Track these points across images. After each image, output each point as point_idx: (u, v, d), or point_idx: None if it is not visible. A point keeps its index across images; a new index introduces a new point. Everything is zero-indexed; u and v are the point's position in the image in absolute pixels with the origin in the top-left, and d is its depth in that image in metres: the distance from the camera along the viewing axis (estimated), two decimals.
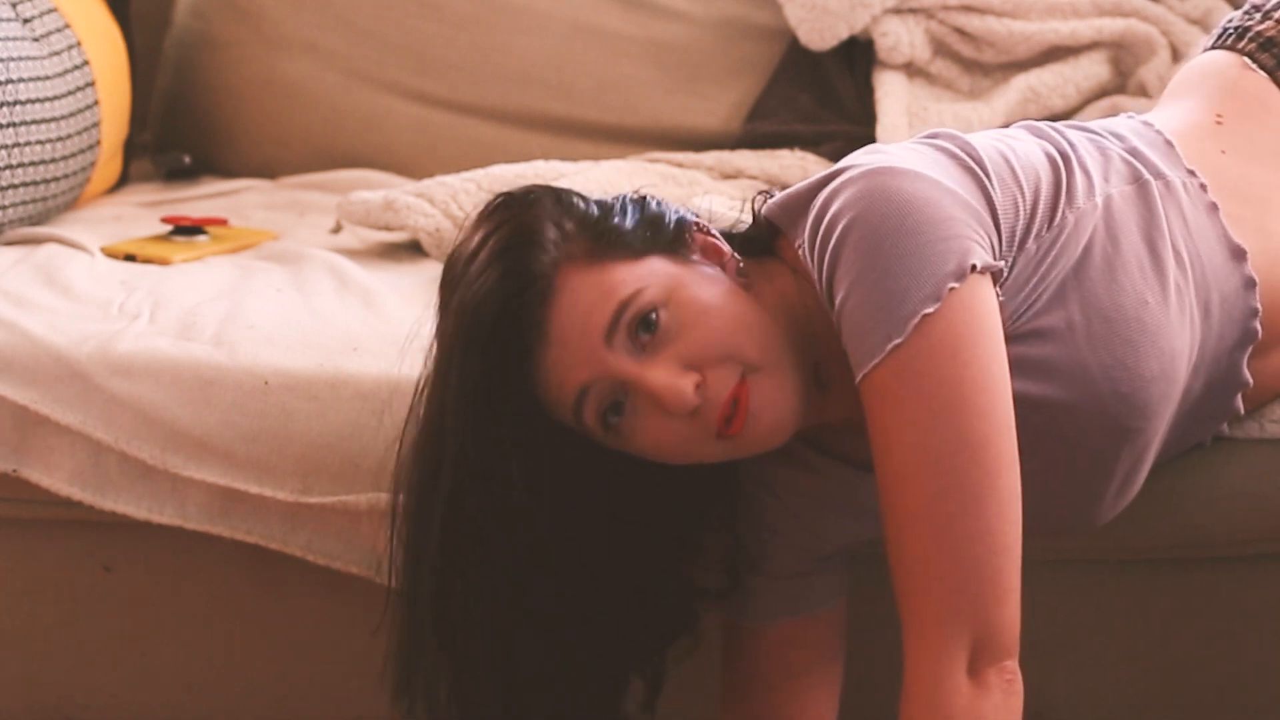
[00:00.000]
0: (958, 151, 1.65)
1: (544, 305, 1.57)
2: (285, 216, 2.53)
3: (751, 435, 1.60)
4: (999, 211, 1.62)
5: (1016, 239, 1.63)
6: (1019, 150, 1.68)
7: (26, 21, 2.40)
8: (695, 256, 1.64)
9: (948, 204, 1.57)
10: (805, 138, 2.56)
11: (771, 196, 1.71)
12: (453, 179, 2.38)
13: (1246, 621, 1.91)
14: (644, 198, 1.66)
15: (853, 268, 1.55)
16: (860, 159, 1.63)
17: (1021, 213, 1.64)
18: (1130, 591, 1.92)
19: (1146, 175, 1.71)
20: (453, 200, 2.34)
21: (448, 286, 1.64)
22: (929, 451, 1.52)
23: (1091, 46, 2.59)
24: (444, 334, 1.62)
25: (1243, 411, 1.78)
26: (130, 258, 2.27)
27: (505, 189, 2.36)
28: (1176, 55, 2.56)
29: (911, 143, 1.69)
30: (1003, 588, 1.53)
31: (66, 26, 2.46)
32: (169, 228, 2.38)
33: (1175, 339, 1.65)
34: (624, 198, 1.66)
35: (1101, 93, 2.58)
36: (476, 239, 1.62)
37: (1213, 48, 1.96)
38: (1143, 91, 2.56)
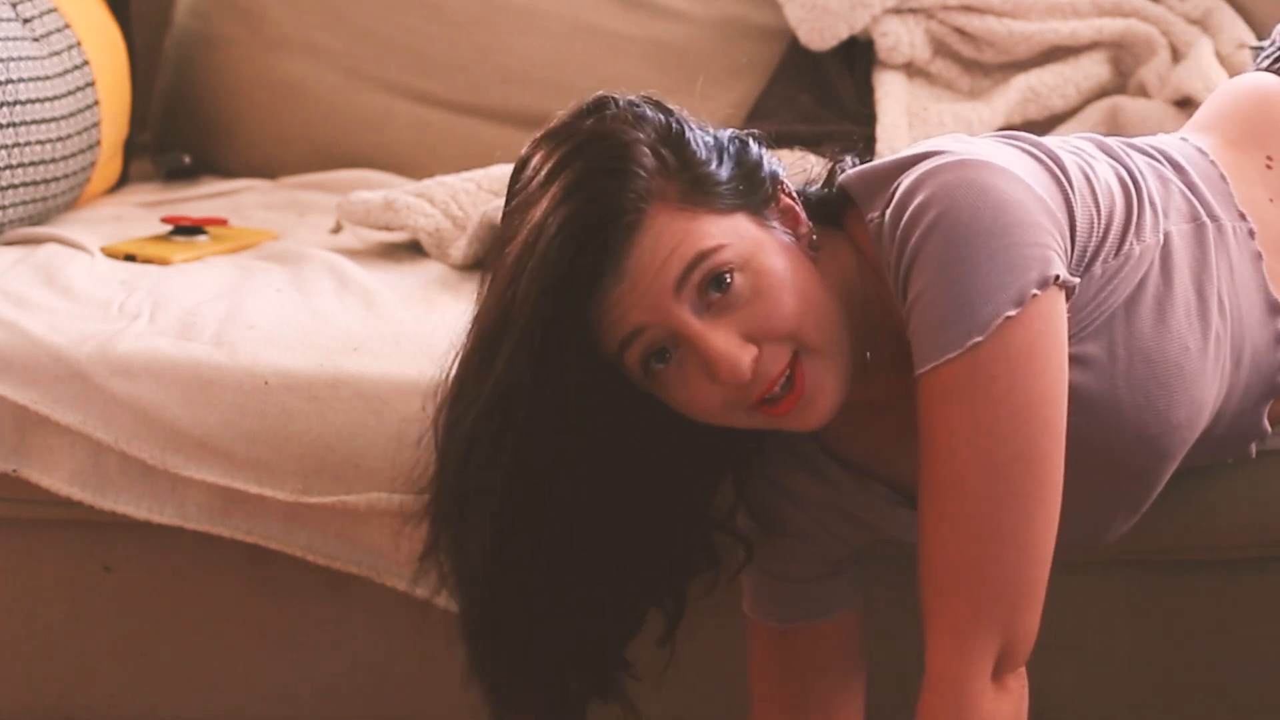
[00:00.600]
0: (1043, 157, 1.62)
1: (627, 240, 1.52)
2: (285, 216, 2.53)
3: (801, 414, 1.57)
4: (1077, 227, 1.60)
5: (1086, 259, 1.60)
6: (1097, 170, 1.65)
7: (26, 21, 2.40)
8: (775, 220, 1.60)
9: (1037, 210, 1.55)
10: (805, 138, 2.55)
11: (842, 165, 1.68)
12: (453, 179, 2.38)
13: (1248, 622, 1.91)
14: (747, 140, 1.62)
15: (936, 259, 1.52)
16: (949, 145, 1.60)
17: (1095, 234, 1.61)
18: (1131, 592, 1.92)
19: (1204, 217, 1.68)
20: (453, 200, 2.34)
21: (528, 176, 1.57)
22: (990, 456, 1.51)
23: (1091, 46, 2.59)
24: (516, 242, 1.55)
25: (1254, 455, 1.77)
26: (130, 258, 2.27)
27: (505, 188, 2.37)
28: (1176, 55, 2.56)
29: (991, 139, 1.65)
30: (1035, 597, 1.54)
31: (66, 26, 2.46)
32: (169, 228, 2.38)
33: (1207, 389, 1.64)
34: (727, 138, 1.61)
35: (1101, 93, 2.58)
36: (577, 137, 1.56)
37: (1268, 69, 1.91)
38: (1143, 92, 2.55)
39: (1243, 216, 1.71)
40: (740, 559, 1.74)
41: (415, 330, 1.97)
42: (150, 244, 2.32)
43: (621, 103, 1.61)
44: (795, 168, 2.45)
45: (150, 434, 1.89)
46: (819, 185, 1.69)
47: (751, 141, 1.63)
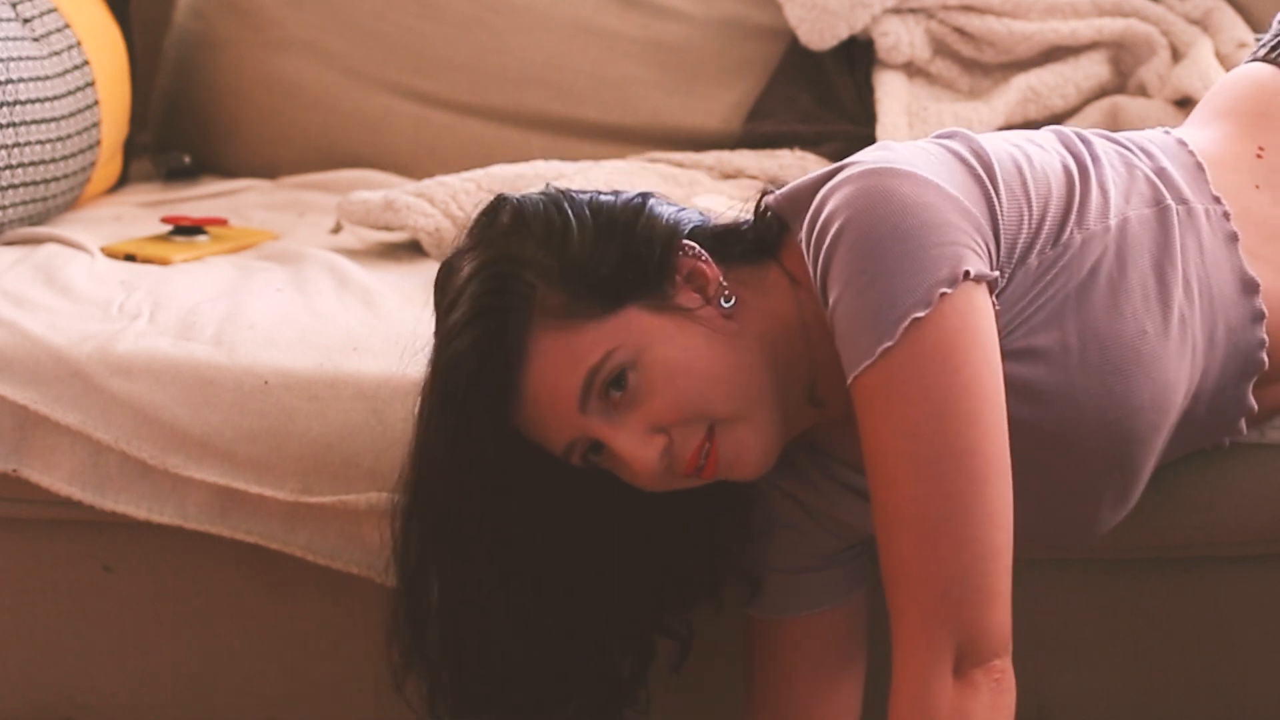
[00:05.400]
0: (968, 155, 1.63)
1: (518, 369, 1.59)
2: (285, 216, 2.53)
3: (728, 475, 1.63)
4: (1001, 222, 1.61)
5: (1018, 252, 1.62)
6: (1035, 159, 1.66)
7: (26, 21, 2.40)
8: (676, 292, 1.62)
9: (946, 209, 1.56)
10: (805, 138, 2.56)
11: (773, 193, 1.70)
12: (453, 179, 2.38)
13: (1247, 621, 1.91)
14: (638, 219, 1.64)
15: (846, 269, 1.55)
16: (864, 156, 1.62)
17: (1026, 226, 1.62)
18: (1131, 591, 1.92)
19: (1169, 200, 1.69)
20: (453, 200, 2.34)
21: (437, 319, 1.66)
22: (916, 456, 1.52)
23: (1091, 46, 2.59)
24: (428, 384, 1.65)
25: (1245, 432, 1.77)
26: (130, 258, 2.27)
27: (505, 189, 2.37)
28: (1176, 55, 2.56)
29: (924, 142, 1.67)
30: (989, 591, 1.54)
31: (66, 26, 2.46)
32: (169, 228, 2.38)
33: (1171, 370, 1.64)
34: (619, 217, 1.64)
35: (1101, 93, 2.58)
36: (462, 272, 1.63)
37: (1264, 58, 1.91)
38: (1142, 91, 2.56)
39: (1217, 200, 1.72)
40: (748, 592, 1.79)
41: (415, 330, 1.97)
42: (150, 244, 2.32)
43: (512, 206, 1.66)
44: (792, 169, 2.47)
45: (150, 434, 1.89)
46: (754, 215, 1.72)
47: (650, 204, 1.66)
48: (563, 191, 1.67)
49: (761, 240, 1.69)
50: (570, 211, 1.63)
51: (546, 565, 1.69)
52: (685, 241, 1.65)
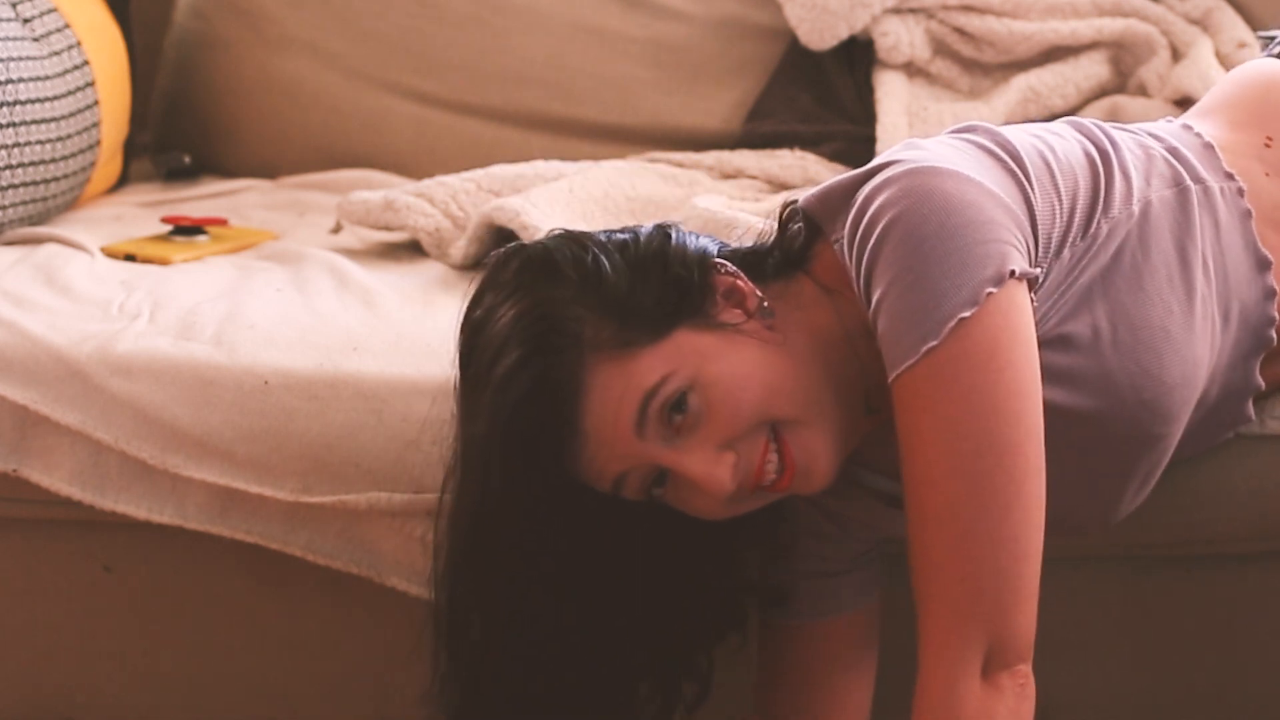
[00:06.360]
0: (998, 150, 1.63)
1: (576, 406, 1.56)
2: (285, 216, 2.53)
3: (802, 483, 1.61)
4: (1038, 217, 1.61)
5: (1053, 246, 1.62)
6: (1059, 151, 1.67)
7: (26, 21, 2.40)
8: (719, 310, 1.61)
9: (990, 207, 1.56)
10: (805, 138, 2.56)
11: (796, 204, 1.70)
12: (453, 179, 2.38)
13: (1250, 619, 1.91)
14: (667, 248, 1.63)
15: (891, 267, 1.54)
16: (903, 155, 1.61)
17: (1059, 220, 1.63)
18: (1134, 590, 1.92)
19: (1188, 181, 1.70)
20: (453, 200, 2.34)
21: (473, 372, 1.62)
22: (957, 455, 1.52)
23: (1091, 46, 2.59)
24: (480, 429, 1.60)
25: (1253, 417, 1.77)
26: (130, 258, 2.27)
27: (505, 189, 2.37)
28: (1176, 55, 2.56)
29: (948, 137, 1.67)
30: (1021, 594, 1.54)
31: (66, 26, 2.46)
32: (169, 228, 2.38)
33: (1198, 346, 1.65)
34: (647, 250, 1.63)
35: (1101, 93, 2.58)
36: (499, 322, 1.59)
37: (1275, 54, 1.92)
38: (1142, 91, 2.56)
39: (1230, 176, 1.73)
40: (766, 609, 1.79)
41: (415, 330, 1.97)
42: (150, 244, 2.32)
43: (530, 253, 1.63)
44: (792, 169, 2.47)
45: (150, 434, 1.89)
46: (780, 229, 1.71)
47: (673, 234, 1.65)
48: (575, 233, 1.66)
49: (789, 255, 1.69)
50: (594, 248, 1.62)
51: (581, 604, 1.67)
52: (717, 260, 1.64)
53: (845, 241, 1.60)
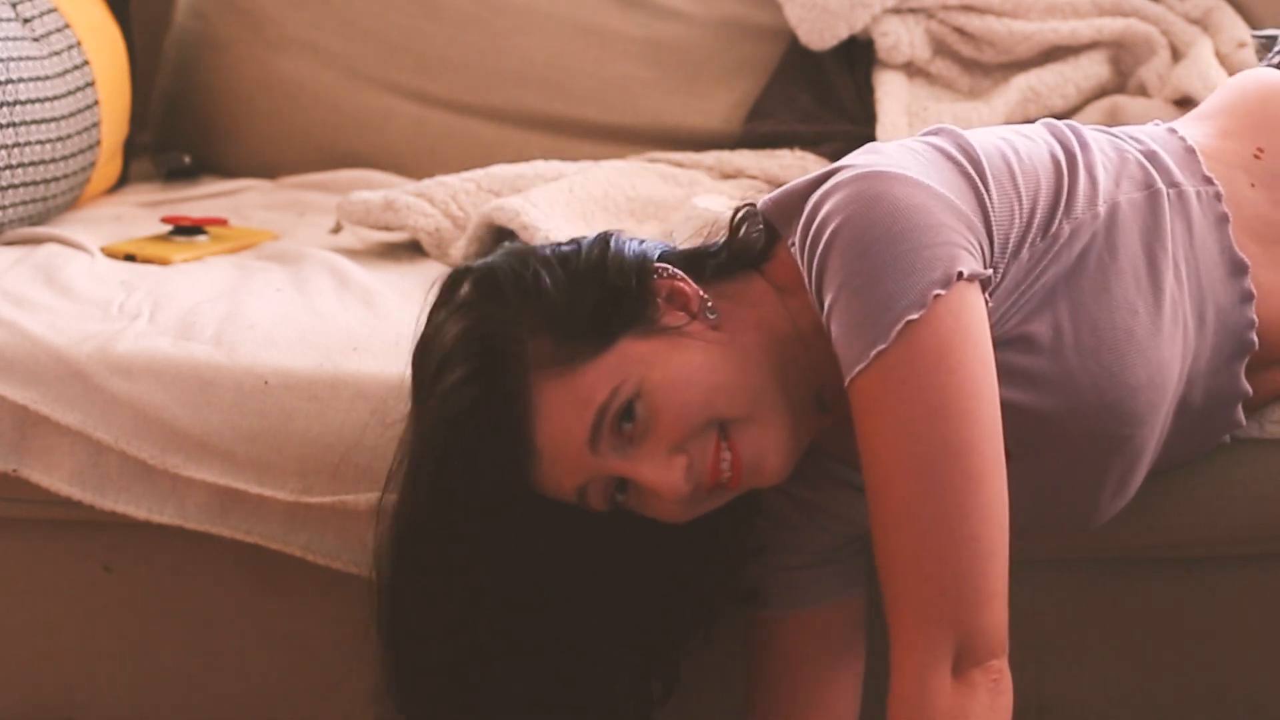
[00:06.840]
0: (956, 153, 1.64)
1: (526, 424, 1.58)
2: (285, 216, 2.53)
3: (754, 480, 1.62)
4: (993, 218, 1.62)
5: (1010, 246, 1.63)
6: (1023, 152, 1.67)
7: (26, 21, 2.40)
8: (661, 314, 1.62)
9: (938, 210, 1.57)
10: (805, 138, 2.56)
11: (753, 205, 1.71)
12: (453, 179, 2.38)
13: (1247, 621, 1.91)
14: (605, 257, 1.64)
15: (839, 273, 1.56)
16: (855, 160, 1.63)
17: (1018, 221, 1.63)
18: (1130, 591, 1.92)
19: (1159, 184, 1.70)
20: (453, 200, 2.34)
21: (420, 388, 1.65)
22: (912, 457, 1.53)
23: (1091, 46, 2.59)
24: (423, 445, 1.63)
25: (1245, 423, 1.77)
26: (130, 258, 2.27)
27: (505, 189, 2.37)
28: (1177, 55, 2.56)
29: (911, 141, 1.68)
30: (986, 591, 1.54)
31: (66, 26, 2.46)
32: (169, 228, 2.38)
33: (1165, 348, 1.65)
34: (587, 261, 1.64)
35: (1101, 93, 2.58)
36: (446, 341, 1.62)
37: (1275, 64, 1.92)
38: (1142, 91, 2.56)
39: (1209, 181, 1.73)
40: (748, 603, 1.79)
41: (415, 330, 1.97)
42: (150, 244, 2.32)
43: (475, 274, 1.65)
44: (793, 169, 2.47)
45: (150, 434, 1.89)
46: (733, 229, 1.72)
47: (613, 240, 1.66)
48: (520, 249, 1.68)
49: (739, 254, 1.70)
50: (535, 264, 1.64)
51: (544, 609, 1.68)
52: (657, 264, 1.66)
53: (797, 246, 1.61)
